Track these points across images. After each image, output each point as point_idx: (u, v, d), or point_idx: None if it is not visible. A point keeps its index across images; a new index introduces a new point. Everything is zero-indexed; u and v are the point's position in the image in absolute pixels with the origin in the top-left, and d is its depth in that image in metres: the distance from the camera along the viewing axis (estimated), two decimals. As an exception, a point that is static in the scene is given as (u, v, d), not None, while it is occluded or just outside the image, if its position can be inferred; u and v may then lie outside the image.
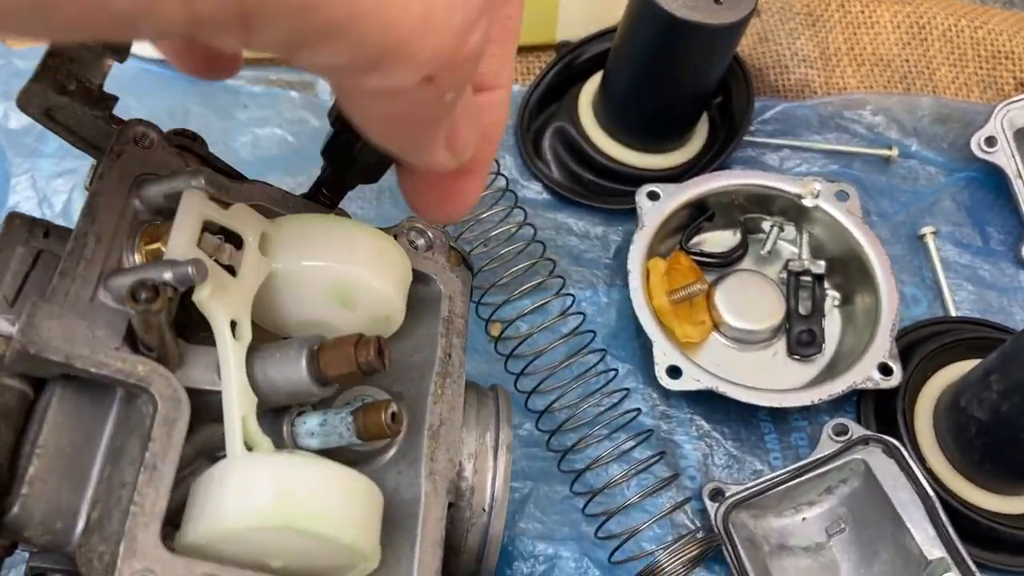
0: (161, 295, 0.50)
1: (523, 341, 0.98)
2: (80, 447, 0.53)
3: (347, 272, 0.60)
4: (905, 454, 0.87)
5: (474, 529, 0.66)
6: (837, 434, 0.91)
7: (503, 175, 1.07)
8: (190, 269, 0.52)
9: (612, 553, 0.89)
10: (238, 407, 0.54)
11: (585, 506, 0.92)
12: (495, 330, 1.02)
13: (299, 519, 0.50)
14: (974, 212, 1.13)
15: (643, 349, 1.04)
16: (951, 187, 1.14)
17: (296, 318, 0.61)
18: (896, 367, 0.94)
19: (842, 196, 1.05)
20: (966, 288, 1.08)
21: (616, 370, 0.97)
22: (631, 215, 1.09)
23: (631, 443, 0.93)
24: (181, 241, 0.54)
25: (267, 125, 1.17)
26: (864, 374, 0.94)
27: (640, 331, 1.04)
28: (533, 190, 1.14)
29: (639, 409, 0.94)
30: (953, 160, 1.16)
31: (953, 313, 1.06)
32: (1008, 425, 0.83)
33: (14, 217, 0.58)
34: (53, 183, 1.05)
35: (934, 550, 0.81)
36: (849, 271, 1.05)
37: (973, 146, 1.10)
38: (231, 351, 0.54)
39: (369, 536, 0.54)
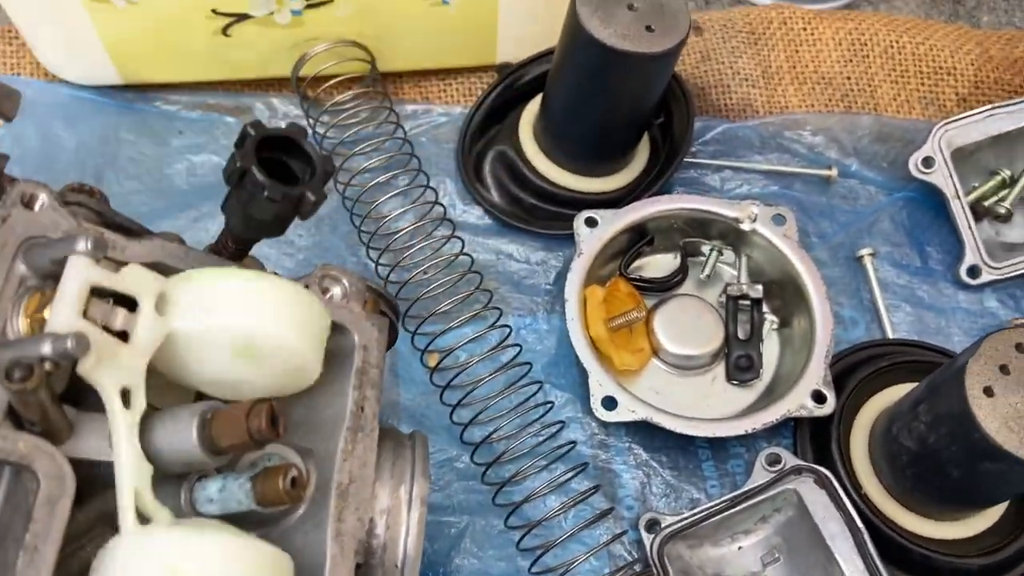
0: (37, 373, 0.49)
1: (460, 372, 0.97)
2: (-36, 526, 0.52)
3: (248, 326, 0.59)
4: (836, 485, 0.87)
5: (387, 586, 0.65)
6: (770, 464, 0.91)
7: (440, 204, 1.06)
8: (69, 343, 0.50)
9: (546, 588, 0.89)
10: (129, 480, 0.53)
11: (520, 540, 0.91)
12: (432, 360, 1.01)
13: (187, 601, 0.49)
14: (913, 232, 1.13)
15: (582, 377, 1.03)
16: (890, 207, 1.14)
17: (206, 376, 0.60)
18: (830, 394, 0.94)
19: (779, 220, 1.05)
20: (904, 309, 1.08)
21: (552, 402, 0.96)
22: (572, 239, 1.08)
23: (568, 475, 0.93)
24: (64, 311, 0.52)
25: (203, 152, 1.15)
26: (798, 402, 0.94)
27: (577, 361, 1.03)
28: (474, 215, 1.13)
29: (574, 442, 0.94)
30: (893, 179, 1.16)
31: (890, 335, 1.06)
32: (935, 456, 0.83)
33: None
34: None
35: (862, 583, 0.82)
36: (786, 295, 1.05)
37: (911, 167, 1.10)
38: (121, 422, 0.53)
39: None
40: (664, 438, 1.00)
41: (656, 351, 1.04)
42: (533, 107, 1.16)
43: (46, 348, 0.50)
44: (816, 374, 0.95)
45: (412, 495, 0.67)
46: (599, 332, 1.00)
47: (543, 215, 1.13)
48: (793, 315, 1.04)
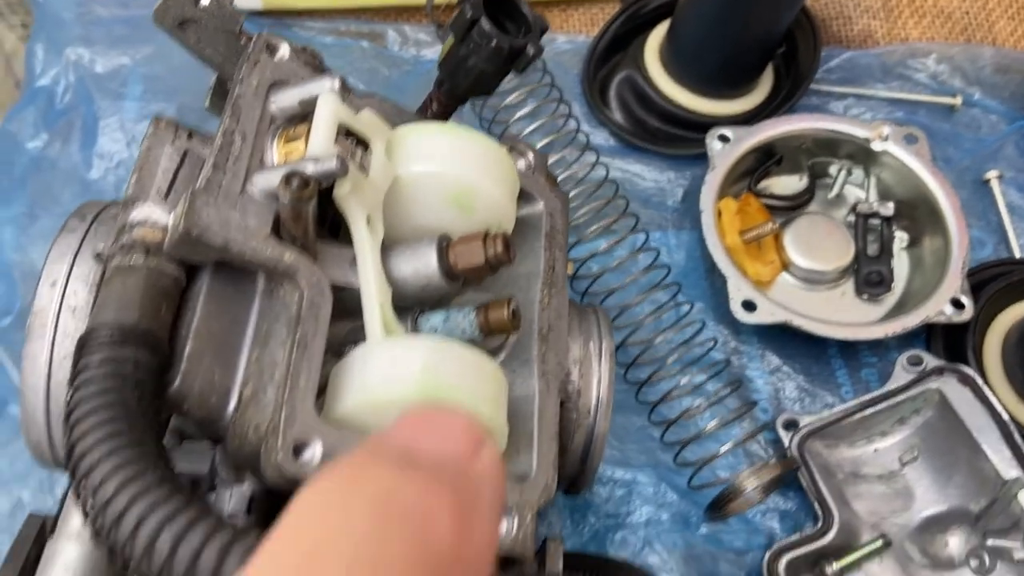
0: (312, 185, 0.53)
1: (597, 278, 1.00)
2: (228, 332, 0.56)
3: (468, 177, 0.63)
4: (979, 381, 0.89)
5: (580, 430, 0.69)
6: (912, 364, 0.93)
7: (574, 117, 1.09)
8: (335, 163, 0.55)
9: (690, 478, 0.92)
10: (377, 294, 0.57)
11: (663, 434, 0.94)
12: (569, 269, 1.05)
13: (443, 390, 0.53)
14: (1037, 159, 1.14)
15: (712, 288, 1.07)
16: (1014, 134, 1.16)
17: (417, 222, 0.64)
18: (968, 302, 0.96)
19: (911, 140, 1.07)
20: (1031, 231, 1.10)
21: (691, 303, 0.98)
22: (697, 161, 1.11)
23: (705, 375, 0.96)
24: (321, 140, 0.57)
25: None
26: (937, 308, 0.96)
27: (710, 270, 1.06)
28: (600, 137, 1.16)
29: (715, 339, 0.97)
30: (1014, 109, 1.18)
31: (1018, 255, 1.08)
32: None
33: (159, 120, 0.61)
34: (139, 125, 1.08)
35: (1010, 470, 0.83)
36: (917, 214, 1.06)
37: (1037, 93, 1.11)
38: (367, 243, 0.57)
39: (500, 415, 0.57)
40: (797, 345, 1.03)
41: (786, 265, 1.06)
42: (659, 34, 1.19)
43: (312, 168, 0.54)
44: (954, 283, 0.97)
45: (601, 349, 0.70)
46: (734, 241, 1.03)
47: (666, 137, 1.16)
48: (924, 234, 1.06)
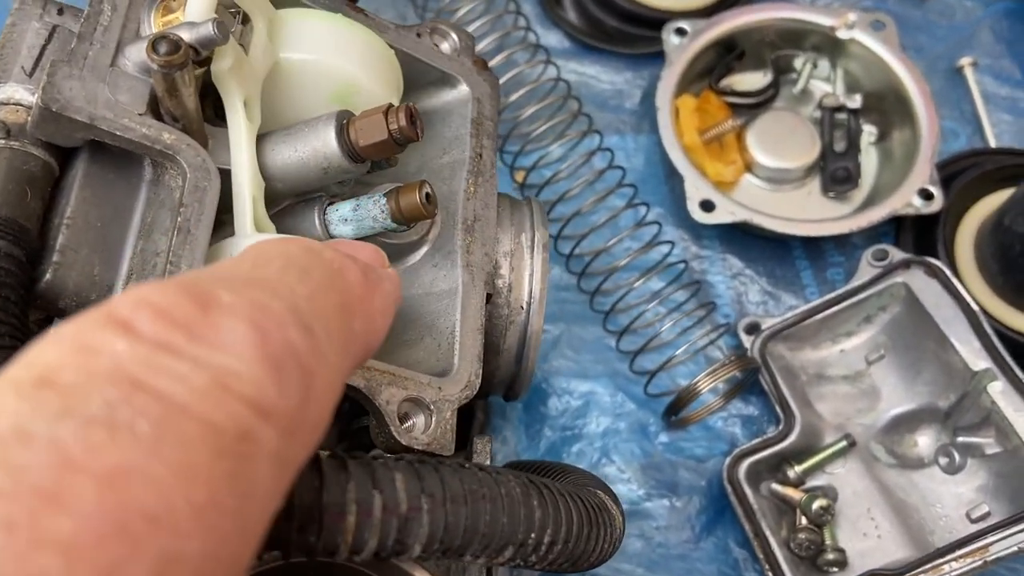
0: (183, 49, 0.48)
1: (547, 183, 0.95)
2: (110, 222, 0.52)
3: (351, 73, 0.58)
4: (948, 272, 0.84)
5: (512, 327, 0.64)
6: (877, 259, 0.88)
7: (522, 15, 1.03)
8: (212, 27, 0.49)
9: (646, 384, 0.88)
10: (249, 184, 0.52)
11: (618, 342, 0.91)
12: (519, 177, 1.00)
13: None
14: (1013, 44, 1.08)
15: (673, 193, 1.02)
16: (989, 19, 1.10)
17: (295, 116, 0.58)
18: (937, 192, 0.91)
19: (878, 26, 1.01)
20: (1005, 120, 1.04)
21: (648, 205, 0.94)
22: (656, 60, 1.05)
23: (663, 281, 0.91)
24: (200, 5, 0.51)
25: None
26: (904, 200, 0.91)
27: (670, 174, 1.01)
28: (554, 38, 1.10)
29: (672, 242, 0.92)
30: (992, -7, 1.11)
31: (993, 144, 1.02)
32: (1056, 235, 0.80)
33: (26, -7, 0.55)
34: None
35: (979, 361, 0.80)
36: (885, 105, 1.01)
37: (1014, -26, 1.05)
38: (243, 128, 0.53)
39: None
40: (760, 248, 0.98)
41: (749, 166, 1.01)
42: (612, -73, 1.11)
43: (189, 34, 0.49)
44: (923, 174, 0.92)
45: (534, 241, 0.66)
46: (693, 140, 0.97)
47: (624, 37, 1.10)
48: (893, 126, 1.01)
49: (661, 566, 0.83)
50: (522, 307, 0.64)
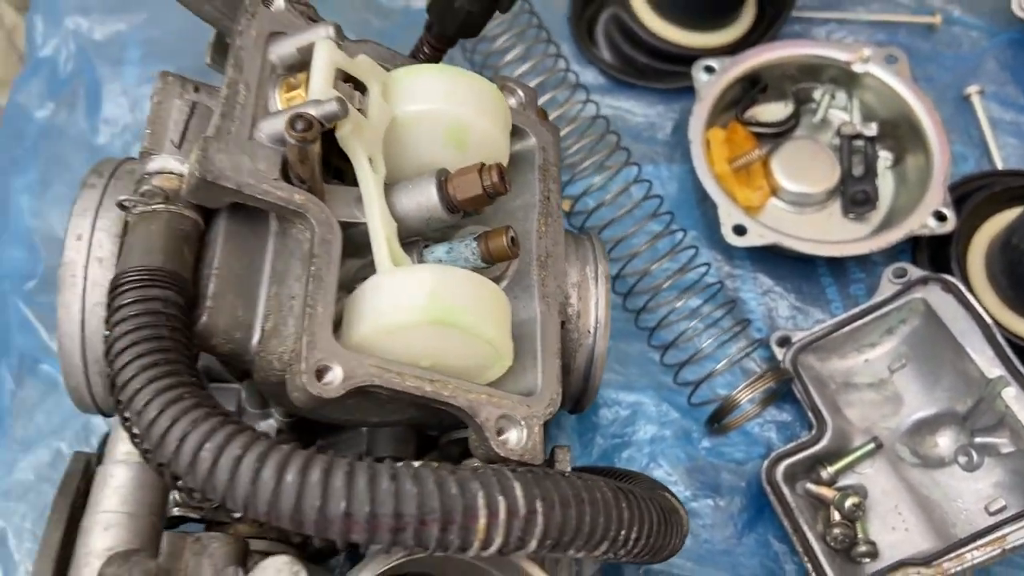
0: (315, 127, 0.57)
1: (592, 212, 1.04)
2: (247, 271, 0.60)
3: (462, 115, 0.66)
4: (962, 288, 0.93)
5: (581, 350, 0.73)
6: (897, 277, 0.97)
7: (562, 57, 1.11)
8: (335, 105, 0.58)
9: (690, 396, 0.97)
10: (383, 227, 0.61)
11: (662, 356, 0.99)
12: (566, 206, 1.08)
13: (450, 315, 0.57)
14: (1017, 72, 1.17)
15: (705, 218, 1.10)
16: (993, 49, 1.18)
17: (414, 162, 0.67)
18: (950, 214, 1.00)
19: (891, 60, 1.09)
20: (1011, 143, 1.13)
21: (685, 230, 1.02)
22: (685, 94, 1.14)
23: (700, 299, 1.00)
24: (321, 84, 0.60)
25: (331, 28, 1.22)
26: (920, 221, 1.00)
27: (702, 200, 1.10)
28: (589, 75, 1.19)
29: (708, 264, 1.00)
30: (995, 23, 1.20)
31: (1000, 166, 1.11)
32: (1060, 253, 0.88)
33: (167, 75, 0.64)
34: (141, 89, 1.11)
35: (993, 369, 0.88)
36: (899, 132, 1.09)
37: (1014, 7, 1.13)
38: (371, 180, 0.61)
39: (505, 334, 0.61)
40: (788, 267, 1.07)
41: (774, 190, 1.09)
42: (642, -30, 1.20)
43: (315, 111, 0.58)
44: (936, 196, 1.01)
45: (598, 272, 0.74)
46: (723, 169, 1.06)
47: (655, 73, 1.19)
48: (907, 152, 1.09)
49: (708, 560, 0.91)
50: (589, 331, 0.73)
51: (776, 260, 1.07)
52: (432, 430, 0.74)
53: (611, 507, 0.53)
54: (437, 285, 0.58)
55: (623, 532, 0.54)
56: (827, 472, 0.92)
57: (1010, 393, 0.86)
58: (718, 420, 0.94)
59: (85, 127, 1.08)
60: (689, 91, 1.11)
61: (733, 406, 0.93)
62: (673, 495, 0.67)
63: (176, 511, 0.67)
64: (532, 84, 1.07)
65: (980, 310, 0.91)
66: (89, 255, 0.63)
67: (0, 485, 0.92)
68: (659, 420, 0.99)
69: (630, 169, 1.05)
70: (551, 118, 1.04)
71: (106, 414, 0.70)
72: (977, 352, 0.89)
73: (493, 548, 0.49)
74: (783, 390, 0.98)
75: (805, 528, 0.88)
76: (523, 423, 0.62)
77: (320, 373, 0.55)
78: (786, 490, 0.90)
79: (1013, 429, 0.87)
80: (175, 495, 0.68)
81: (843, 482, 0.93)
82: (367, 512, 0.46)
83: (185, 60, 1.10)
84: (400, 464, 0.49)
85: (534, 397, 0.64)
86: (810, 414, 0.94)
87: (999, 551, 0.80)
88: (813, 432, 0.93)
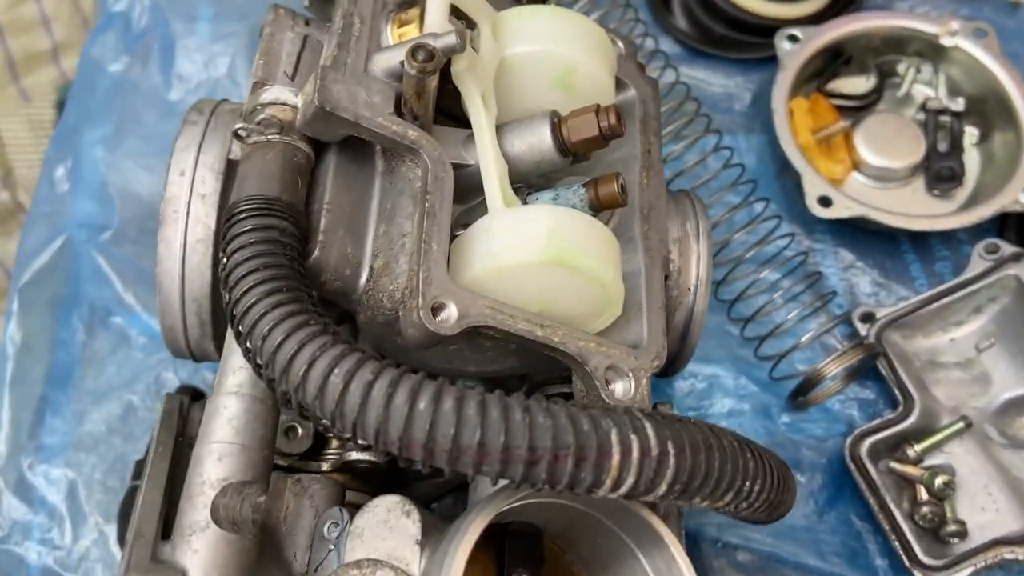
0: (436, 57, 0.55)
1: (670, 182, 1.01)
2: (356, 209, 0.59)
3: (572, 57, 0.64)
4: (1058, 265, 0.90)
5: (680, 308, 0.71)
6: (989, 252, 0.94)
7: (641, 22, 1.09)
8: (454, 37, 0.56)
9: (771, 369, 0.94)
10: (495, 167, 0.59)
11: (743, 329, 0.97)
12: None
13: (569, 255, 0.55)
14: (1109, 51, 1.13)
15: (784, 189, 1.08)
16: (1084, 27, 1.14)
17: (522, 104, 0.65)
18: (1044, 190, 0.97)
19: (980, 34, 1.06)
20: (1103, 123, 1.09)
21: (767, 200, 0.99)
22: (763, 65, 1.11)
23: (781, 273, 0.97)
24: (437, 17, 0.59)
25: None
26: (1012, 197, 0.97)
27: (781, 171, 1.07)
28: (664, 44, 1.16)
29: (792, 234, 0.98)
30: (1087, 1, 1.16)
31: (1092, 146, 1.07)
32: None
33: (278, 8, 0.63)
34: (215, 46, 1.10)
35: (1091, 348, 0.85)
36: (987, 109, 1.06)
37: (1110, -17, 1.10)
38: (484, 118, 0.59)
39: (618, 279, 0.59)
40: (870, 242, 1.04)
41: (856, 164, 1.07)
42: (721, -62, 1.18)
43: (434, 42, 0.56)
44: (1029, 172, 0.98)
45: (699, 229, 0.72)
46: (807, 140, 1.03)
47: (732, 43, 1.16)
48: (994, 128, 1.06)
49: (788, 537, 0.89)
50: (689, 289, 0.71)
51: (858, 235, 1.04)
52: (521, 385, 0.72)
53: (738, 456, 0.51)
54: (555, 225, 0.56)
55: (747, 483, 0.52)
56: (914, 450, 0.89)
57: (1109, 372, 0.84)
58: (803, 393, 0.92)
59: (159, 82, 1.07)
60: (767, 62, 1.09)
61: (819, 380, 0.91)
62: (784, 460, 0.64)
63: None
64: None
65: (1079, 288, 0.88)
66: (192, 191, 0.62)
67: (70, 436, 0.92)
68: (737, 394, 0.96)
69: (708, 139, 1.03)
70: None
71: (197, 358, 0.69)
72: (1074, 329, 0.87)
73: (624, 488, 0.47)
74: (866, 367, 0.95)
75: (892, 506, 0.85)
76: (631, 374, 0.60)
77: (436, 310, 0.53)
78: (871, 467, 0.88)
79: (1111, 410, 0.84)
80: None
81: (929, 461, 0.90)
82: (502, 443, 0.44)
83: (257, 19, 1.11)
84: (533, 399, 0.47)
85: (641, 349, 0.62)
86: (896, 391, 0.91)
87: (1101, 531, 0.77)
88: (900, 410, 0.90)
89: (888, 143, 1.06)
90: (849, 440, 0.89)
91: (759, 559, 0.88)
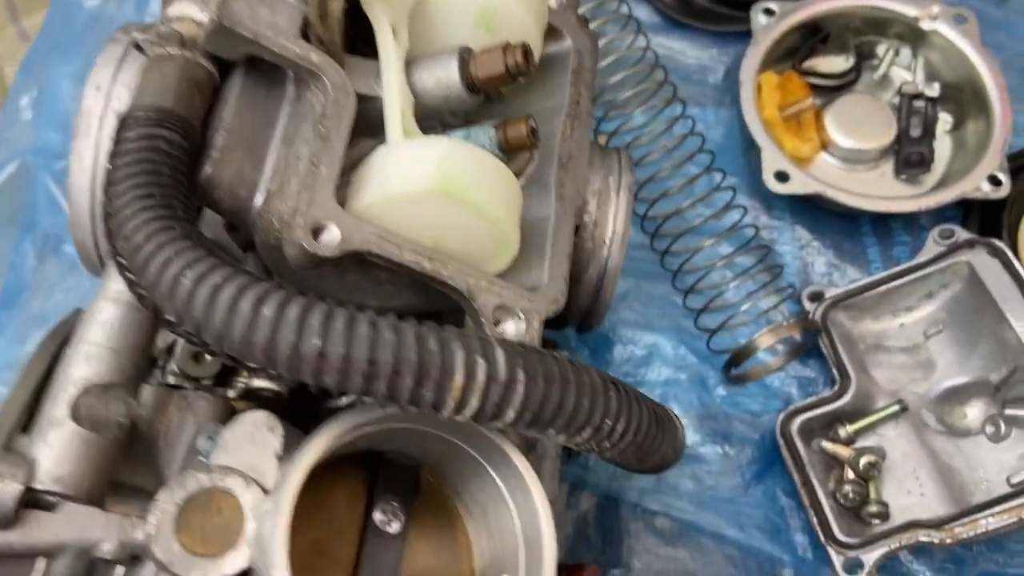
0: (339, -22, 0.55)
1: (627, 147, 1.00)
2: (259, 131, 0.59)
3: (494, -2, 0.64)
4: (1009, 254, 0.88)
5: (595, 261, 0.71)
6: (944, 238, 0.92)
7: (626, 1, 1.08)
8: (362, -41, 0.56)
9: (708, 339, 0.94)
10: (399, 98, 0.59)
11: (684, 298, 0.96)
12: (601, 140, 1.05)
13: (457, 188, 0.55)
14: (1094, 46, 1.10)
15: (748, 167, 1.06)
16: (1072, 21, 1.12)
17: (441, 42, 0.65)
18: (1005, 179, 0.95)
19: (960, 20, 1.04)
20: (1082, 117, 1.07)
21: (724, 172, 0.98)
22: (741, 39, 1.10)
23: (732, 246, 0.96)
24: (348, -58, 0.58)
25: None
26: (974, 184, 0.95)
27: (747, 147, 1.06)
28: (643, 12, 1.15)
29: (745, 208, 0.97)
30: (1078, -6, 1.13)
31: (1066, 139, 1.05)
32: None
33: (195, -73, 0.63)
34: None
35: (1033, 338, 0.83)
36: (962, 96, 1.04)
37: (1103, -24, 1.07)
38: (391, 48, 0.60)
39: (512, 219, 0.59)
40: (829, 222, 1.03)
41: (825, 144, 1.05)
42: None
43: (339, -35, 0.56)
44: (993, 161, 0.96)
45: (621, 183, 0.72)
46: (772, 115, 1.02)
47: (711, 15, 1.15)
48: (968, 116, 1.04)
49: (710, 507, 0.89)
50: (605, 242, 0.70)
51: (818, 214, 1.03)
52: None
53: (598, 393, 0.51)
54: (446, 157, 0.56)
55: (608, 421, 0.52)
56: (846, 430, 0.88)
57: (1048, 364, 0.82)
58: (735, 365, 0.91)
59: (133, 19, 1.08)
60: (745, 35, 1.08)
61: (752, 351, 0.90)
62: (672, 412, 0.64)
63: (172, 380, 0.67)
64: (582, 10, 1.05)
65: (1027, 276, 0.86)
66: (107, 106, 0.63)
67: (8, 356, 0.93)
68: (675, 363, 0.96)
69: (674, 108, 1.02)
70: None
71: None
72: (1018, 320, 0.85)
73: (468, 411, 0.47)
74: (808, 344, 0.94)
75: (815, 482, 0.85)
76: (522, 315, 0.60)
77: (316, 232, 0.54)
78: (800, 444, 0.87)
79: (1048, 402, 0.83)
80: (173, 365, 0.68)
81: (862, 443, 0.89)
82: (341, 353, 0.45)
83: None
84: (383, 316, 0.47)
85: (537, 292, 0.62)
86: (834, 370, 0.90)
87: (1015, 520, 0.76)
88: (835, 388, 0.89)
89: (858, 125, 1.04)
90: (781, 416, 0.88)
91: (678, 526, 0.87)
